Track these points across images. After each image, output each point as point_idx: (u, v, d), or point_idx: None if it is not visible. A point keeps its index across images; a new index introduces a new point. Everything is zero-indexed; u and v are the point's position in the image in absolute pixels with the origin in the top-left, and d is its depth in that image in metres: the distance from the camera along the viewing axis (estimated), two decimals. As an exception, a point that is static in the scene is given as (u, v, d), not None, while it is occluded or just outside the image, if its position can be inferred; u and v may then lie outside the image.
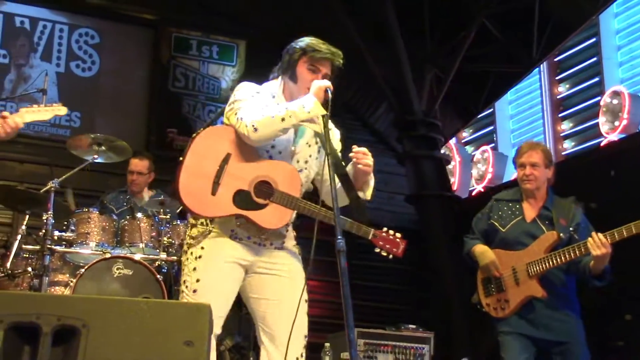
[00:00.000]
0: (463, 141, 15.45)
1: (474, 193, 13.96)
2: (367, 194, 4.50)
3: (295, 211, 4.34)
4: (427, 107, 12.16)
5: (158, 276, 6.71)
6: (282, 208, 4.25)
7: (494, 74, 12.84)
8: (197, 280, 4.24)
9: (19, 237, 7.05)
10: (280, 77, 4.56)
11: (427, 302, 12.22)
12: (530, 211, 5.80)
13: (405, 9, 11.69)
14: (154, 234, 7.32)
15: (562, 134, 13.24)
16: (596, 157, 10.82)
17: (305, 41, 4.48)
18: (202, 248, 4.31)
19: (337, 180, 4.34)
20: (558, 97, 13.37)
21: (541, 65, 12.99)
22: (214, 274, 4.27)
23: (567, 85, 13.20)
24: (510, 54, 12.39)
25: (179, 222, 7.48)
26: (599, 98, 11.83)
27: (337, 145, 4.61)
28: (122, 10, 12.17)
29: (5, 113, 4.21)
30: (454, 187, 13.74)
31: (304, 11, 12.46)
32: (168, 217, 7.45)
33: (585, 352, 5.58)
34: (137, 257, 6.89)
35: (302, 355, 4.33)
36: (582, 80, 12.85)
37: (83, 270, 6.62)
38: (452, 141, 14.46)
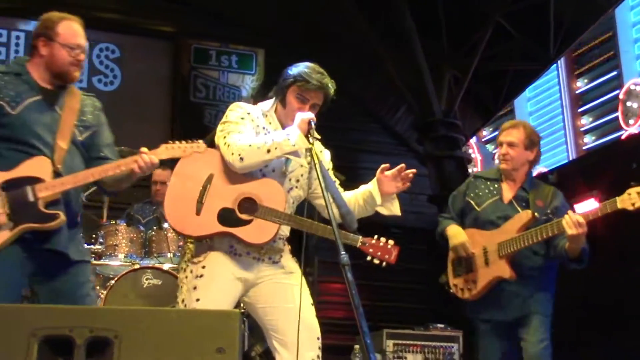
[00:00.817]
0: (484, 140, 15.45)
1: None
2: (395, 208, 4.58)
3: (282, 225, 4.38)
4: (446, 107, 12.15)
5: (187, 285, 6.76)
6: (267, 223, 4.30)
7: (512, 72, 12.83)
8: (197, 300, 4.28)
9: (49, 251, 7.12)
10: (274, 97, 4.63)
11: (453, 301, 12.19)
12: (508, 192, 5.54)
13: (421, 11, 11.71)
14: (181, 243, 7.36)
15: (582, 129, 13.24)
16: (617, 151, 10.79)
17: (299, 68, 4.51)
18: (204, 267, 4.35)
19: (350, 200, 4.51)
20: (577, 92, 13.37)
21: (559, 61, 13.00)
22: (213, 294, 4.31)
23: (586, 80, 13.20)
24: (527, 52, 12.39)
25: (205, 231, 7.52)
26: (617, 91, 11.82)
27: (328, 165, 4.69)
28: (140, 24, 12.26)
29: (143, 149, 4.22)
30: (477, 186, 13.73)
31: (321, 17, 12.53)
32: (195, 226, 7.50)
33: (545, 323, 5.36)
34: (166, 266, 6.94)
35: (318, 357, 4.37)
36: (600, 74, 12.85)
37: (113, 281, 6.67)
38: (473, 140, 14.48)
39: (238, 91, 12.40)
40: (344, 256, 3.70)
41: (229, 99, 12.28)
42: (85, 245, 6.74)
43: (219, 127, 4.50)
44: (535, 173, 13.42)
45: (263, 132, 4.49)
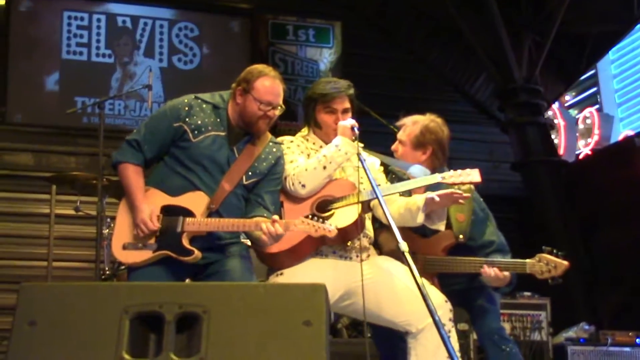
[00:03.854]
0: (566, 105, 15.18)
1: (581, 156, 13.76)
2: (441, 225, 4.68)
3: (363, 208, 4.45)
4: (527, 73, 11.94)
5: (272, 259, 6.81)
6: (347, 208, 4.41)
7: (594, 34, 12.56)
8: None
9: (136, 229, 7.25)
10: (307, 127, 4.83)
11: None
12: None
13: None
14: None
15: (669, 90, 12.93)
16: None
17: (312, 89, 4.77)
18: (281, 274, 4.51)
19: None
20: (663, 52, 13.05)
21: (643, 21, 12.67)
22: (297, 279, 4.40)
23: (673, 39, 12.87)
24: (609, 13, 12.10)
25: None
26: None
27: (378, 173, 4.82)
28: (218, 1, 12.34)
29: (275, 217, 4.31)
30: (560, 152, 13.54)
31: (397, -13, 12.44)
32: (278, 200, 7.56)
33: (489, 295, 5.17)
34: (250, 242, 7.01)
35: (450, 320, 4.38)
36: (688, 32, 12.50)
37: (200, 258, 6.77)
38: (555, 105, 14.23)
39: (316, 65, 12.38)
40: (402, 244, 3.73)
41: (307, 73, 12.28)
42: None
43: None
44: (621, 136, 13.26)
45: (312, 152, 4.67)
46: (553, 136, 13.27)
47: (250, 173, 4.53)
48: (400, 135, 5.21)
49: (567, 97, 15.08)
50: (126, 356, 2.98)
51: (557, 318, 8.51)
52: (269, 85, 4.52)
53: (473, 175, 4.44)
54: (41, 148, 10.90)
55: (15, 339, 3.03)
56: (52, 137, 10.97)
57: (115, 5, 11.81)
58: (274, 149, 4.66)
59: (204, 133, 4.48)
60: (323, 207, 4.45)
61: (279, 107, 4.55)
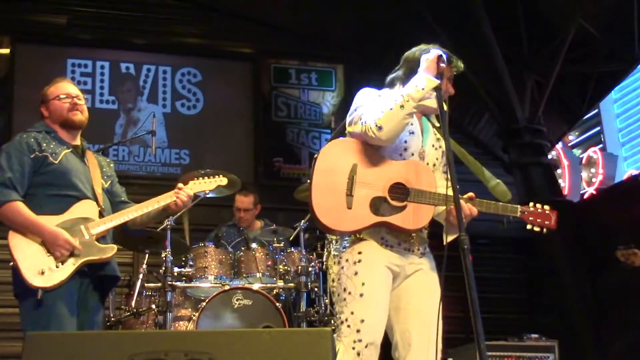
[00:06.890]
0: (570, 144, 15.20)
1: (585, 196, 13.75)
2: (449, 238, 4.24)
3: (435, 207, 4.20)
4: (530, 113, 11.99)
5: (277, 304, 6.79)
6: (421, 206, 4.13)
7: (596, 74, 12.60)
8: (363, 284, 4.10)
9: (140, 275, 7.27)
10: (398, 84, 4.45)
11: (547, 309, 12.03)
12: None
13: (500, 17, 11.59)
14: (269, 263, 7.42)
15: (672, 129, 12.94)
16: None
17: (414, 53, 4.47)
18: (360, 253, 4.16)
19: None
20: (665, 91, 13.07)
21: (645, 61, 12.71)
22: (377, 277, 4.15)
23: (674, 78, 12.90)
24: (611, 52, 12.15)
25: (293, 250, 7.56)
26: None
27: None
28: (221, 47, 12.39)
29: (180, 184, 4.82)
30: (565, 192, 13.52)
31: (398, 29, 12.50)
32: (282, 245, 7.56)
33: None
34: (256, 286, 6.99)
35: None
36: (690, 71, 12.54)
37: (204, 303, 6.75)
38: (559, 145, 14.25)
39: (319, 108, 12.43)
40: (464, 239, 3.57)
41: (310, 116, 12.33)
42: (176, 268, 6.92)
43: (349, 118, 4.38)
44: (626, 175, 13.27)
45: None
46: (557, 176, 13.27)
47: (105, 177, 4.99)
48: None
49: (570, 137, 15.10)
50: (131, 406, 2.95)
51: (566, 360, 8.46)
52: (61, 83, 5.02)
53: (551, 219, 4.38)
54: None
55: (20, 389, 3.00)
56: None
57: (118, 52, 11.89)
58: (101, 158, 5.16)
59: (60, 154, 4.77)
60: (397, 192, 4.16)
61: (83, 97, 5.04)
